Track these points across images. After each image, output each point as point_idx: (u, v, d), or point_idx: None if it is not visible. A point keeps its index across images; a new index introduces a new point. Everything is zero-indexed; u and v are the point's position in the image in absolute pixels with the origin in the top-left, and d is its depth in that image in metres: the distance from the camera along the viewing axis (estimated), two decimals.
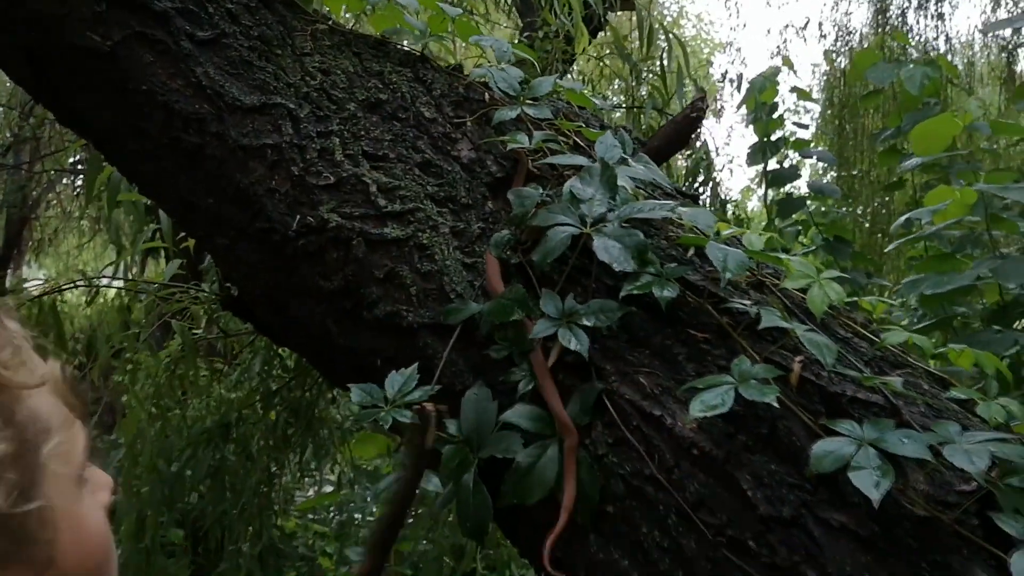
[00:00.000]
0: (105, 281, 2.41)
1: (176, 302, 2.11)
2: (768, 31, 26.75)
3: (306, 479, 3.87)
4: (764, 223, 3.26)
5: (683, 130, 1.85)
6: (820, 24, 12.40)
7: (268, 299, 1.56)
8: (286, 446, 2.58)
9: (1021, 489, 0.94)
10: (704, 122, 2.01)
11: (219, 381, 2.47)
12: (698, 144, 3.37)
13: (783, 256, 1.24)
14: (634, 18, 3.64)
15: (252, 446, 2.44)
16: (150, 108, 1.40)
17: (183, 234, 2.23)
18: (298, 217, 1.40)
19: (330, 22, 1.61)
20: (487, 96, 1.57)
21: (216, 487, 2.32)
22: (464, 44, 1.76)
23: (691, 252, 1.31)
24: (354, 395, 1.22)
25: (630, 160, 1.41)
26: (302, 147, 1.41)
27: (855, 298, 1.45)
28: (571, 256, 1.26)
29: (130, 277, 2.61)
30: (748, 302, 1.19)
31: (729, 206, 4.30)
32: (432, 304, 1.34)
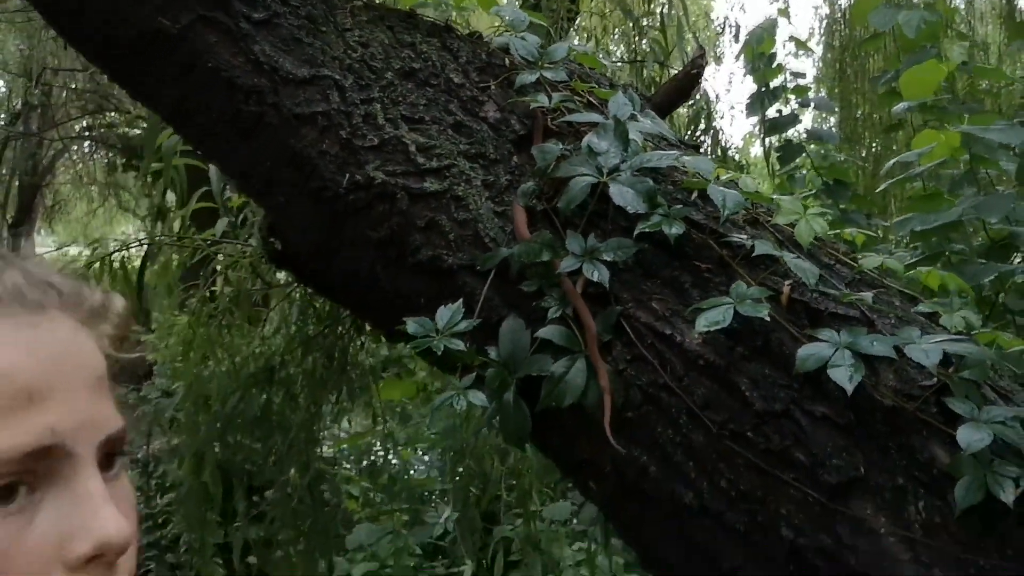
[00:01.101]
0: (167, 239, 2.62)
1: (229, 256, 2.32)
2: None
3: (326, 431, 4.11)
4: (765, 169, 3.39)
5: (684, 86, 2.03)
6: None
7: (319, 250, 1.76)
8: (323, 387, 2.80)
9: (970, 380, 1.14)
10: (704, 72, 2.17)
11: (262, 329, 2.68)
12: (698, 95, 3.54)
13: (774, 196, 1.43)
14: None
15: (295, 388, 2.66)
16: (214, 83, 1.58)
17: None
18: (347, 176, 1.58)
19: None
20: (508, 61, 1.75)
21: (264, 425, 2.54)
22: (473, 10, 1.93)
23: (695, 195, 1.50)
24: (410, 327, 1.43)
25: (639, 116, 1.60)
26: (348, 113, 1.60)
27: (838, 230, 1.63)
28: (590, 202, 1.45)
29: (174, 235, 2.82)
30: (744, 236, 1.39)
31: (733, 152, 4.47)
32: (469, 248, 1.53)
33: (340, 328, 2.93)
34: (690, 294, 1.35)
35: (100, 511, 0.59)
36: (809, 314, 1.27)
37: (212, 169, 2.40)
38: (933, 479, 1.12)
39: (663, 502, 1.28)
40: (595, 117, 1.56)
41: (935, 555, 1.08)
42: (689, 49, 3.45)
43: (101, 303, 0.68)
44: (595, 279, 1.37)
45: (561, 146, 1.56)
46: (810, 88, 3.23)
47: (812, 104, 3.37)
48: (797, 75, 3.22)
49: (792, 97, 3.09)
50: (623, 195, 1.39)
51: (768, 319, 1.21)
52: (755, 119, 3.15)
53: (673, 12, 3.36)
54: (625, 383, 1.33)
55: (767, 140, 3.25)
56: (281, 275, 2.72)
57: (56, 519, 0.59)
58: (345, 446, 3.70)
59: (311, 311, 2.88)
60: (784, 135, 3.39)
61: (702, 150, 3.15)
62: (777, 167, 3.17)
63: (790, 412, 1.20)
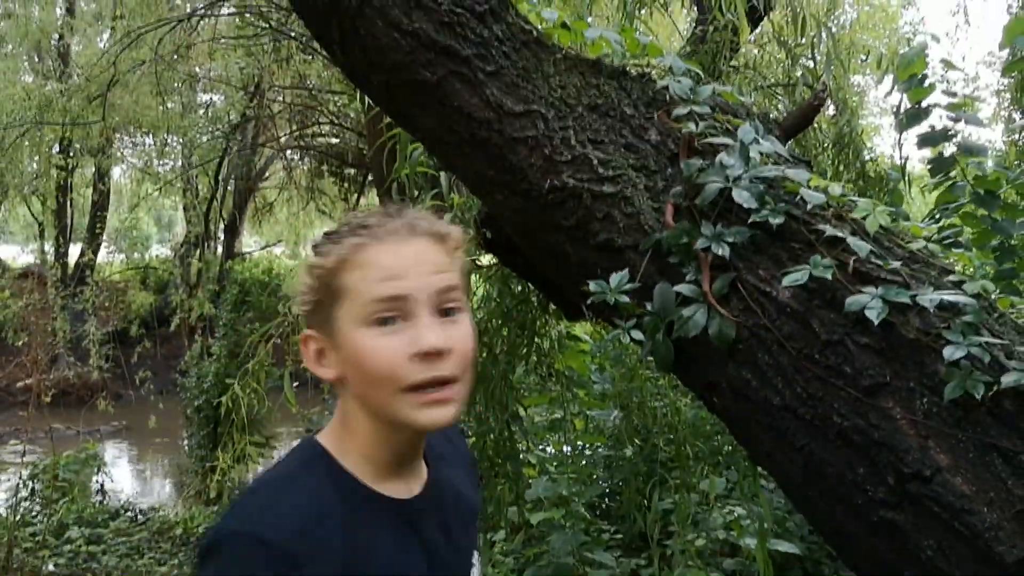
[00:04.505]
0: None
1: None
2: None
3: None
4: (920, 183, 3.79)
5: (808, 113, 2.60)
6: None
7: (524, 231, 2.43)
8: (517, 351, 3.50)
9: (970, 323, 1.68)
10: (825, 103, 2.71)
11: (470, 302, 3.43)
12: (842, 112, 4.02)
13: (853, 198, 1.99)
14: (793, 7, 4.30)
15: (495, 349, 3.37)
16: (458, 116, 2.28)
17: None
18: (548, 181, 2.25)
19: (562, 52, 2.45)
20: (668, 97, 2.37)
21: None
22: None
23: (799, 196, 2.07)
24: (592, 287, 2.08)
25: (760, 140, 2.19)
26: (550, 137, 2.26)
27: (926, 224, 2.16)
28: (719, 201, 2.06)
29: None
30: (829, 226, 1.96)
31: (887, 163, 4.88)
32: (633, 233, 2.17)
33: (529, 305, 3.64)
34: (786, 264, 1.94)
35: (428, 331, 1.16)
36: (865, 278, 1.84)
37: (442, 175, 3.13)
38: (935, 384, 1.67)
39: (760, 403, 1.88)
40: (727, 140, 2.16)
41: (930, 431, 1.64)
42: (837, 76, 3.95)
43: (447, 232, 1.27)
44: (719, 253, 1.98)
45: (702, 161, 2.17)
46: (965, 104, 3.63)
47: (963, 121, 3.78)
48: (948, 94, 3.64)
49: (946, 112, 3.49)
50: (741, 195, 1.99)
51: (831, 279, 1.79)
52: (913, 130, 3.57)
53: (823, 43, 3.86)
54: (736, 325, 1.93)
55: (902, 153, 3.69)
56: (486, 259, 3.44)
57: (409, 335, 1.17)
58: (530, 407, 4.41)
59: (507, 289, 3.60)
60: (937, 148, 3.79)
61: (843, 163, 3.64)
62: (926, 175, 3.59)
63: (843, 341, 1.77)
